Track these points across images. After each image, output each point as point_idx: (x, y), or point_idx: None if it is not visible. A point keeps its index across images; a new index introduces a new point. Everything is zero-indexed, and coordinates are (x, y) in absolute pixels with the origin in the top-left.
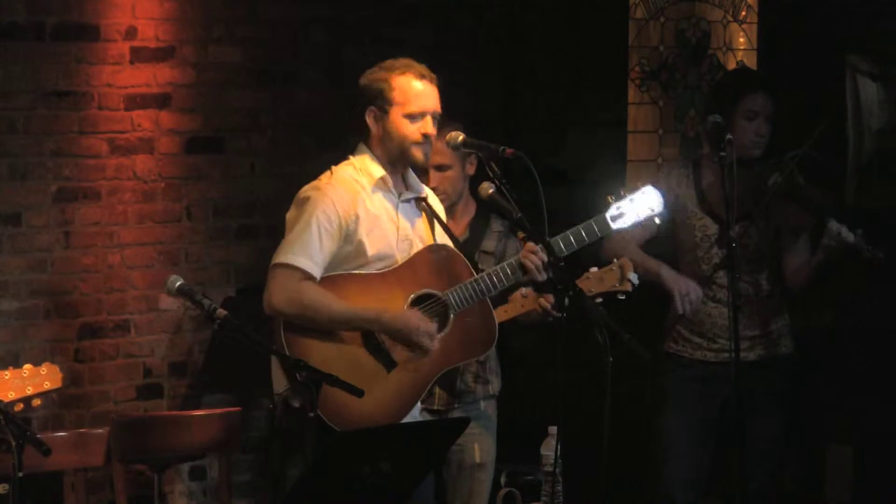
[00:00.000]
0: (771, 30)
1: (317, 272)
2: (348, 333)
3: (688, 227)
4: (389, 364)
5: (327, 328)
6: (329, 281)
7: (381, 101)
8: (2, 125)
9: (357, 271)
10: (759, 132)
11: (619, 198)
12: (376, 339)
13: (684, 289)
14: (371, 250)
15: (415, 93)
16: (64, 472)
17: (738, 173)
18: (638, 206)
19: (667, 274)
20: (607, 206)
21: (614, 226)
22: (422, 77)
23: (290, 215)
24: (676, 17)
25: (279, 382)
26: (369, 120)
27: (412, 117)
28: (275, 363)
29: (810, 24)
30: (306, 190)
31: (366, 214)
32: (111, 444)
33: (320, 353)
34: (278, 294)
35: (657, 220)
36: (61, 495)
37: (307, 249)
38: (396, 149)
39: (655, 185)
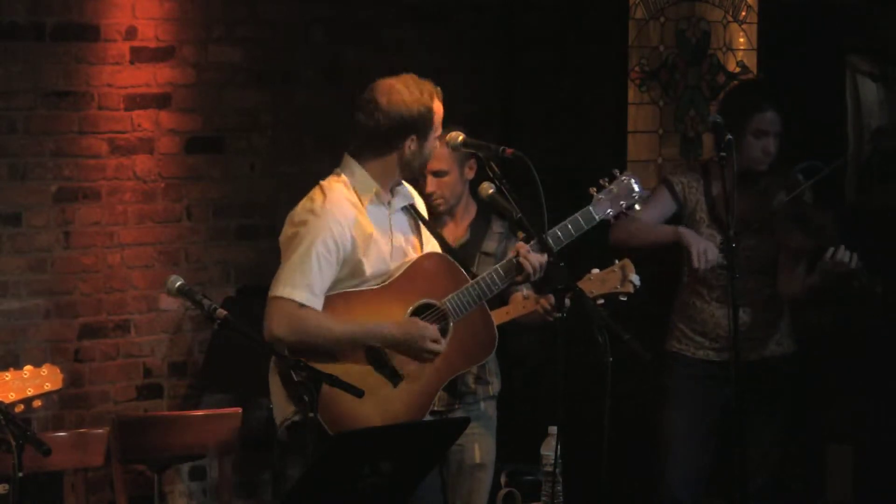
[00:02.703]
0: (771, 30)
1: (317, 304)
2: (353, 353)
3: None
4: (396, 378)
5: (332, 350)
6: (327, 301)
7: (427, 128)
8: (2, 125)
9: (354, 289)
10: (766, 150)
11: (600, 189)
12: (381, 355)
13: (702, 246)
14: (368, 270)
15: (441, 114)
16: (64, 472)
17: (743, 187)
18: (619, 194)
19: (685, 231)
20: (590, 198)
21: (598, 216)
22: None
23: (284, 237)
24: (676, 17)
25: (283, 409)
26: (409, 145)
27: (439, 137)
28: (275, 390)
29: (810, 24)
30: (301, 213)
31: (362, 235)
32: (111, 444)
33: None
34: (279, 324)
35: (637, 207)
36: (61, 495)
37: (307, 280)
38: (420, 166)
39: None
